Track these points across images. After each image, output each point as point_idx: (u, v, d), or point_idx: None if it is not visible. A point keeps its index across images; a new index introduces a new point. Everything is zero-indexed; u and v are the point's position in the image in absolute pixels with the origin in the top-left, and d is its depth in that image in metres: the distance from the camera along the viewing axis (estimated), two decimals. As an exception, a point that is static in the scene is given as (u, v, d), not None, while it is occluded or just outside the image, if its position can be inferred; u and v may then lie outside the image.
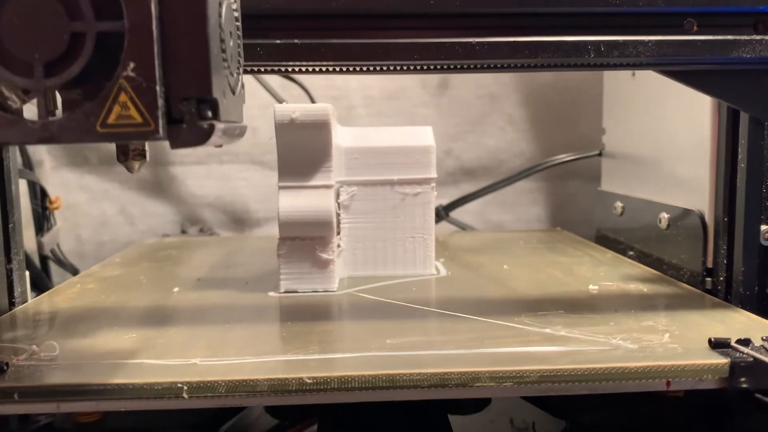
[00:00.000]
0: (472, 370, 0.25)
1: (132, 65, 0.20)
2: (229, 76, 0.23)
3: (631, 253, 0.46)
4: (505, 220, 0.65)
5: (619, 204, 0.49)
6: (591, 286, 0.37)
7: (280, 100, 0.58)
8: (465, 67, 0.30)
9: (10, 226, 0.35)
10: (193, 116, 0.20)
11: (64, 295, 0.37)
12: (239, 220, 0.65)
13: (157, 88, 0.20)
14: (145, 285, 0.39)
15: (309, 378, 0.24)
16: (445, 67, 0.30)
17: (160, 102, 0.20)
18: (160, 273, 0.43)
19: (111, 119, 0.20)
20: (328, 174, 0.37)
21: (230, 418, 0.32)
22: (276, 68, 0.30)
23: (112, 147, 0.66)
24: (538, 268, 0.42)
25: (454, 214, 0.61)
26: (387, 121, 0.64)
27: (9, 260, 0.35)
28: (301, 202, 0.37)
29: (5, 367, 0.25)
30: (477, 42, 0.29)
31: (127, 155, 0.23)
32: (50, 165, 0.63)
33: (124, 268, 0.44)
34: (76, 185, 0.64)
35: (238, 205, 0.65)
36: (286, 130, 0.36)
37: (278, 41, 0.28)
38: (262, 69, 0.29)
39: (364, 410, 0.32)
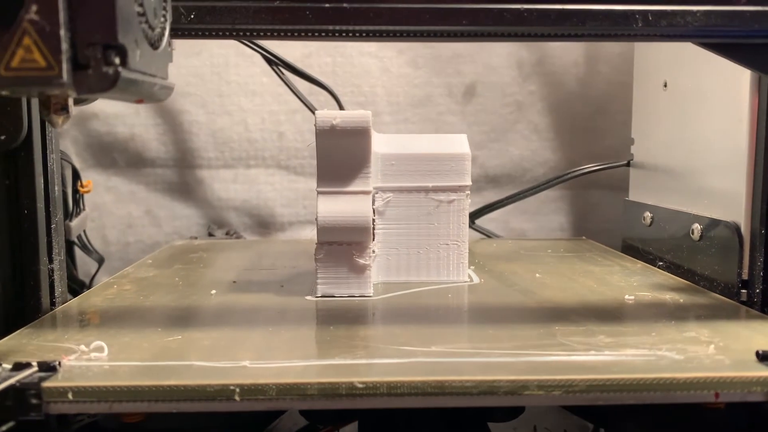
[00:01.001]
0: (522, 378, 0.25)
1: (35, 8, 0.20)
2: (146, 28, 0.23)
3: (660, 263, 0.45)
4: (527, 228, 0.65)
5: (648, 214, 0.49)
6: (627, 296, 0.37)
7: (308, 106, 0.58)
8: (512, 34, 0.30)
9: (53, 226, 0.35)
10: (98, 62, 0.20)
11: (103, 295, 0.38)
12: (264, 224, 0.65)
13: (62, 32, 0.20)
14: (181, 287, 0.40)
15: (360, 382, 0.24)
16: (492, 33, 0.30)
17: (64, 46, 0.20)
18: (194, 275, 0.43)
19: (15, 63, 0.20)
20: (366, 180, 0.37)
21: (270, 420, 0.32)
22: (324, 32, 0.30)
23: (139, 149, 0.67)
24: (570, 277, 0.42)
25: (478, 221, 0.61)
26: (412, 128, 0.64)
27: (50, 260, 0.35)
28: (339, 207, 0.37)
29: (57, 366, 0.25)
30: (525, 9, 0.29)
31: (49, 109, 0.23)
32: (78, 166, 0.64)
33: (158, 270, 0.45)
34: (103, 187, 0.65)
35: (263, 209, 0.65)
36: (326, 136, 0.37)
37: (327, 5, 0.29)
38: (311, 33, 0.30)
39: (404, 413, 0.32)
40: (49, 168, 0.35)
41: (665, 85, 0.47)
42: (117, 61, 0.20)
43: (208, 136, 0.64)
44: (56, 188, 0.36)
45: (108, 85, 0.20)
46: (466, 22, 0.29)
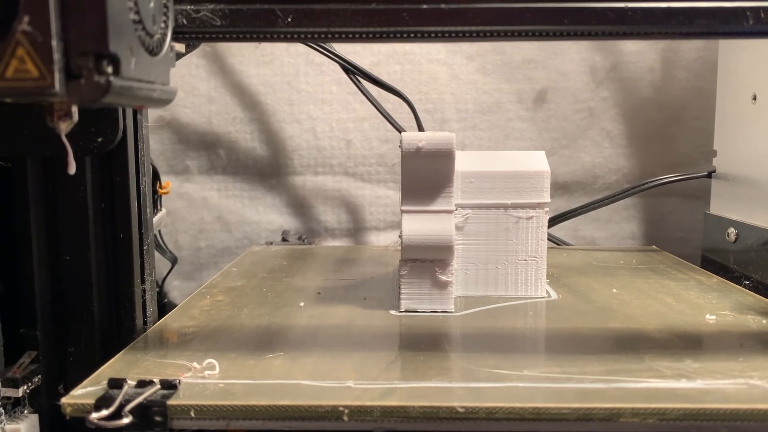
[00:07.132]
0: (617, 406, 0.25)
1: (27, 19, 0.20)
2: (143, 35, 0.23)
3: (746, 282, 0.45)
4: (598, 236, 0.65)
5: (732, 230, 0.48)
6: (708, 316, 0.37)
7: (385, 115, 0.59)
8: (615, 33, 0.29)
9: (145, 248, 0.37)
10: (90, 71, 0.21)
11: (199, 307, 0.40)
12: (331, 230, 0.67)
13: (54, 42, 0.20)
14: (270, 298, 0.42)
15: (461, 407, 0.25)
16: (593, 33, 0.29)
17: (57, 56, 0.20)
18: (280, 285, 0.45)
19: (9, 73, 0.20)
20: (449, 199, 0.38)
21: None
22: (421, 34, 0.30)
23: (212, 157, 0.68)
24: (648, 294, 0.43)
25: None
26: (481, 134, 0.65)
27: (143, 281, 0.37)
28: (423, 226, 0.38)
29: (178, 384, 0.27)
30: (629, 7, 0.28)
31: (53, 115, 0.23)
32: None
33: (245, 279, 0.47)
34: (175, 193, 0.67)
35: (330, 215, 0.67)
36: (411, 157, 0.38)
37: (425, 6, 0.29)
38: (408, 35, 0.30)
39: None
40: (141, 191, 0.36)
41: (754, 98, 0.46)
42: (109, 70, 0.21)
43: (278, 144, 0.66)
44: (148, 210, 0.37)
45: (100, 94, 0.21)
46: (567, 21, 0.29)
